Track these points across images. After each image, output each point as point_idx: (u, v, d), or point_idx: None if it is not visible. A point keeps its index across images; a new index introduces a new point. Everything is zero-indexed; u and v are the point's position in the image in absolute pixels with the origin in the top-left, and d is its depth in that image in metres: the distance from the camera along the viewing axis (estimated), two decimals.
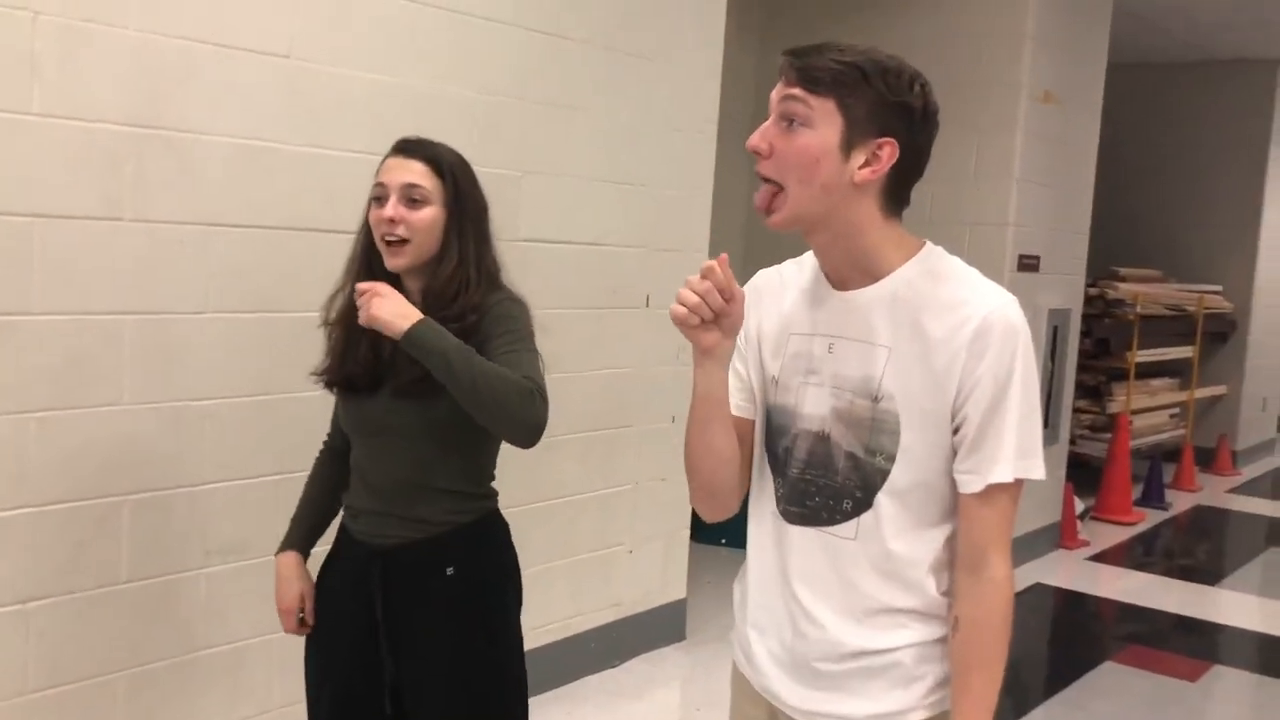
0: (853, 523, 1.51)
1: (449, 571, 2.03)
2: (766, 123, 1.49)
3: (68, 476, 2.53)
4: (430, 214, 2.00)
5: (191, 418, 2.74)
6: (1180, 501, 7.80)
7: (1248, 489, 8.48)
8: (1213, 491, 8.26)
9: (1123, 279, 7.80)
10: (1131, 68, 8.21)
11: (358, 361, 2.05)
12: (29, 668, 2.51)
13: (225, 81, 2.72)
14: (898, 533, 1.50)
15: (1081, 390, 7.23)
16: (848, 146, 1.44)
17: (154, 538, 2.70)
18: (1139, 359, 7.67)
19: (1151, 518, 7.26)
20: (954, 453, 1.48)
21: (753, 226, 6.17)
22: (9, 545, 2.46)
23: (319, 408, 2.96)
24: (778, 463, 1.59)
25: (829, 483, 1.53)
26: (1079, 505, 6.55)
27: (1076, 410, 7.06)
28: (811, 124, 1.44)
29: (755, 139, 1.49)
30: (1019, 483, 1.48)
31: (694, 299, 1.45)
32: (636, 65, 3.87)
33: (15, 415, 2.44)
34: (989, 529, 1.47)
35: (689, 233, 4.18)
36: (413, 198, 1.99)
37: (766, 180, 1.49)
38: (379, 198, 2.02)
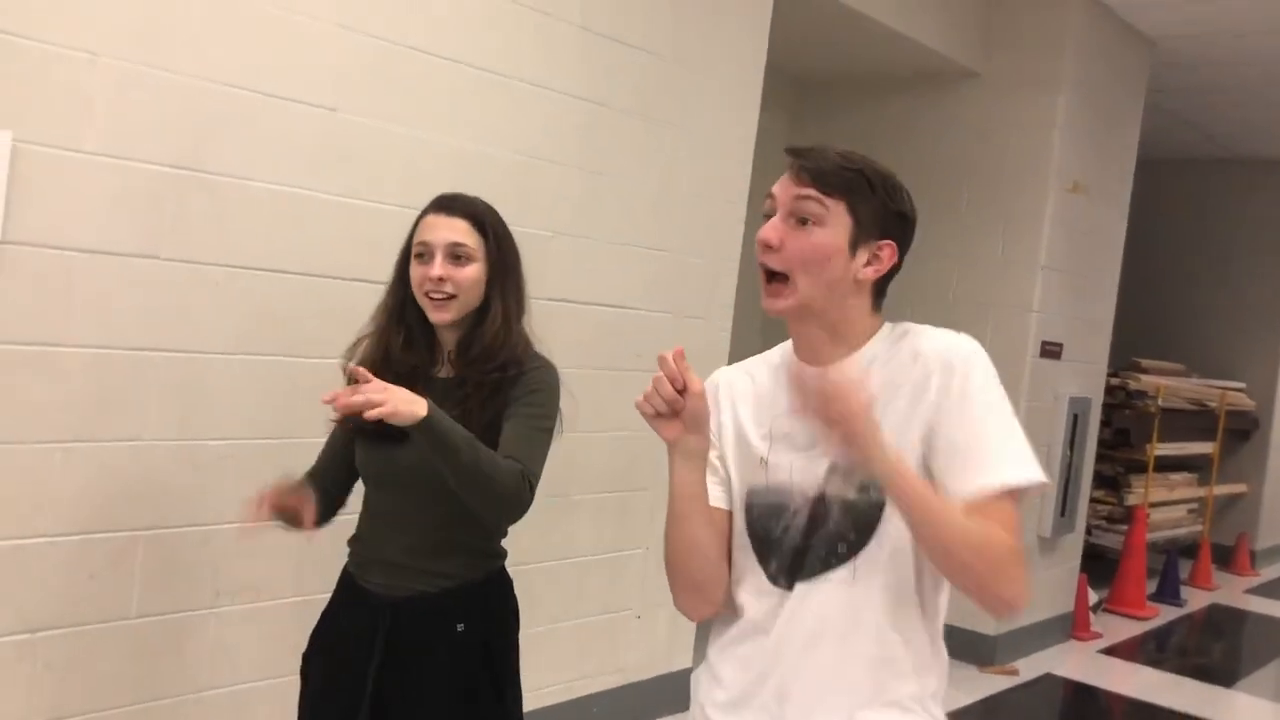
0: (848, 565, 1.54)
1: (459, 628, 2.03)
2: (775, 218, 1.56)
3: (85, 508, 2.56)
4: (475, 271, 2.04)
5: (211, 457, 2.77)
6: (1195, 599, 7.70)
7: (1266, 590, 8.35)
8: (1230, 591, 8.14)
9: (1145, 370, 7.78)
10: (1161, 163, 8.26)
11: None
12: (32, 698, 2.51)
13: (269, 129, 2.79)
14: (894, 569, 1.53)
15: (1099, 480, 7.18)
16: (854, 246, 1.55)
17: (166, 574, 2.71)
18: (1159, 452, 7.62)
19: (1166, 613, 7.16)
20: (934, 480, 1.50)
21: None
22: (22, 573, 2.48)
23: None
24: (771, 543, 1.60)
25: (825, 533, 1.56)
26: (1093, 596, 6.48)
27: (1094, 500, 7.01)
28: (824, 223, 1.54)
29: (769, 233, 1.56)
30: (1017, 490, 1.48)
31: (649, 389, 1.54)
32: (671, 134, 3.93)
33: (41, 445, 2.47)
34: (993, 514, 1.46)
35: (714, 301, 4.22)
36: (457, 255, 2.03)
37: (772, 272, 1.56)
38: (422, 255, 2.05)
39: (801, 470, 1.59)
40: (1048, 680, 5.53)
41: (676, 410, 1.55)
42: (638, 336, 3.91)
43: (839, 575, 1.54)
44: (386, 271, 3.13)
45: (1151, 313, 8.66)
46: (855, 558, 1.54)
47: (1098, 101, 5.70)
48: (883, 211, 1.56)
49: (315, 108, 2.88)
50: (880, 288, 1.61)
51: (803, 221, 1.54)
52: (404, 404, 1.82)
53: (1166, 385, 7.71)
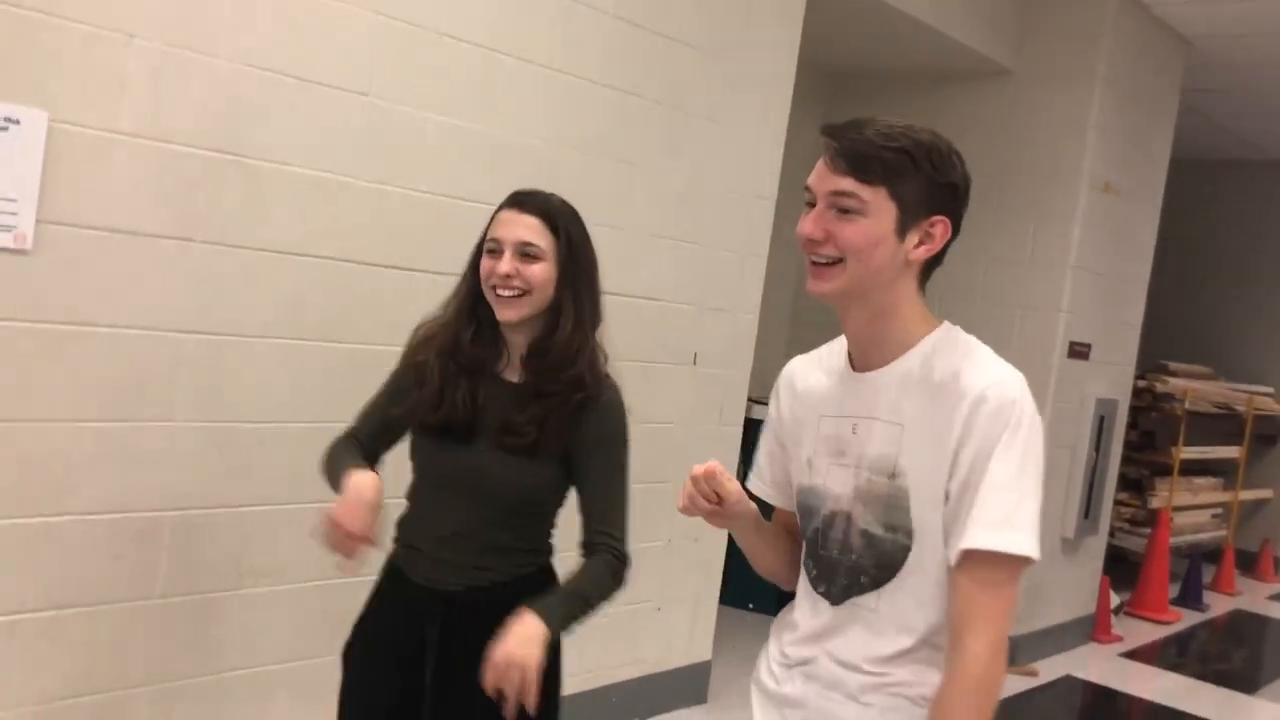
0: (872, 595, 1.54)
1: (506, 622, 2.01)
2: (816, 209, 1.51)
3: (114, 488, 2.57)
4: (543, 270, 1.98)
5: (241, 440, 2.78)
6: (1218, 604, 7.63)
7: None
8: (1252, 597, 8.07)
9: (1172, 373, 7.71)
10: (1194, 164, 8.18)
11: (456, 407, 2.00)
12: (57, 675, 2.53)
13: (304, 114, 2.79)
14: (917, 612, 1.51)
15: (1124, 483, 7.13)
16: (902, 230, 1.49)
17: (192, 556, 2.73)
18: (1184, 455, 7.55)
19: (1188, 618, 7.10)
20: None
21: (803, 293, 6.18)
22: (50, 552, 2.49)
23: None
24: (810, 543, 1.63)
25: (850, 562, 1.56)
26: (1114, 599, 6.44)
27: (1117, 503, 6.96)
28: (866, 213, 1.47)
29: (810, 228, 1.50)
30: (1011, 560, 1.44)
31: (683, 501, 1.62)
32: (704, 127, 3.92)
33: (71, 424, 2.49)
34: (968, 602, 1.45)
35: (741, 294, 4.20)
36: (526, 253, 1.98)
37: (821, 263, 1.52)
38: (493, 250, 2.00)
39: (835, 479, 1.58)
40: (1067, 682, 5.50)
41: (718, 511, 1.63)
42: (664, 328, 3.90)
43: (867, 601, 1.55)
44: (417, 258, 3.15)
45: (1180, 315, 8.58)
46: (876, 593, 1.54)
47: (1131, 101, 5.65)
48: (930, 188, 1.48)
49: (348, 93, 2.88)
50: (930, 266, 1.54)
51: (844, 211, 1.48)
52: (536, 647, 1.84)
53: (1194, 388, 7.65)
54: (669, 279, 3.90)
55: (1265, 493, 8.94)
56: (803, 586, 1.66)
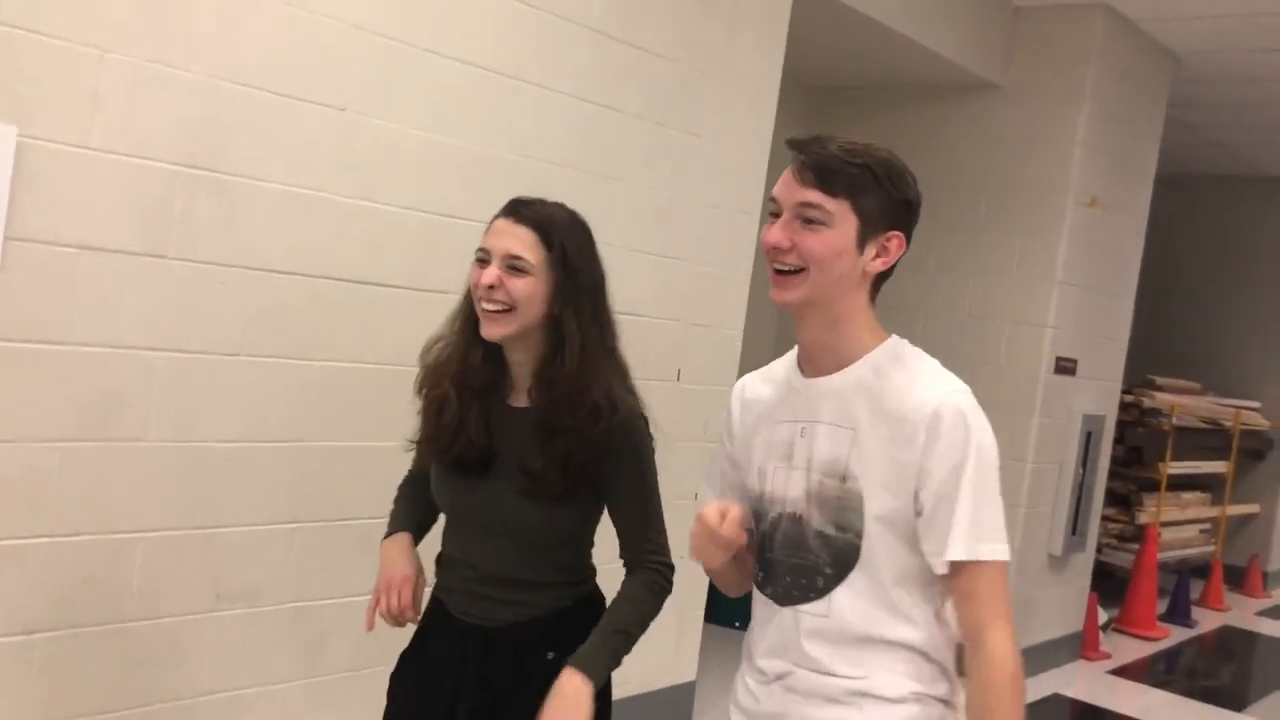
0: (824, 600, 1.60)
1: (549, 656, 1.94)
2: (783, 219, 1.58)
3: (85, 509, 2.53)
4: (530, 285, 1.86)
5: (215, 459, 2.73)
6: (1206, 620, 7.62)
7: (1278, 613, 8.27)
8: (1241, 613, 8.06)
9: (1159, 388, 7.71)
10: (1181, 179, 8.20)
11: (470, 440, 1.93)
12: (28, 700, 2.48)
13: (279, 129, 2.76)
14: (871, 609, 1.58)
15: (1111, 498, 7.11)
16: (862, 242, 1.57)
17: (165, 577, 2.68)
18: (1171, 470, 7.55)
19: (1176, 634, 7.09)
20: (917, 535, 1.56)
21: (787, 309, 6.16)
22: (20, 574, 2.44)
23: (343, 459, 2.98)
24: (759, 547, 1.70)
25: (802, 562, 1.62)
26: (1102, 616, 6.42)
27: (1105, 519, 6.95)
28: (830, 224, 1.55)
29: (777, 237, 1.58)
30: (997, 564, 1.55)
31: (695, 546, 1.68)
32: (686, 142, 3.90)
33: (41, 444, 2.44)
34: (977, 606, 1.55)
35: (724, 310, 4.18)
36: (514, 267, 1.86)
37: (785, 271, 1.59)
38: (481, 261, 1.90)
39: (784, 483, 1.65)
40: (1055, 701, 5.47)
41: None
42: (647, 344, 3.87)
43: (816, 608, 1.61)
44: (393, 274, 3.12)
45: (1167, 330, 8.59)
46: (832, 592, 1.60)
47: (1119, 116, 5.65)
48: (888, 203, 1.57)
49: (325, 107, 2.85)
50: (881, 279, 1.63)
51: (809, 221, 1.56)
52: (585, 707, 1.83)
53: (1181, 403, 7.65)
54: (652, 294, 3.87)
55: (1253, 508, 8.94)
56: (756, 597, 1.73)
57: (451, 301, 2.06)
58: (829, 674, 1.59)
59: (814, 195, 1.55)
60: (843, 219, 1.55)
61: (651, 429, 2.01)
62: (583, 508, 1.96)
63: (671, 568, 1.99)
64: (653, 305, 3.87)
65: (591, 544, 2.08)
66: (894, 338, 1.64)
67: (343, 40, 2.86)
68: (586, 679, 1.84)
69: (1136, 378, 7.42)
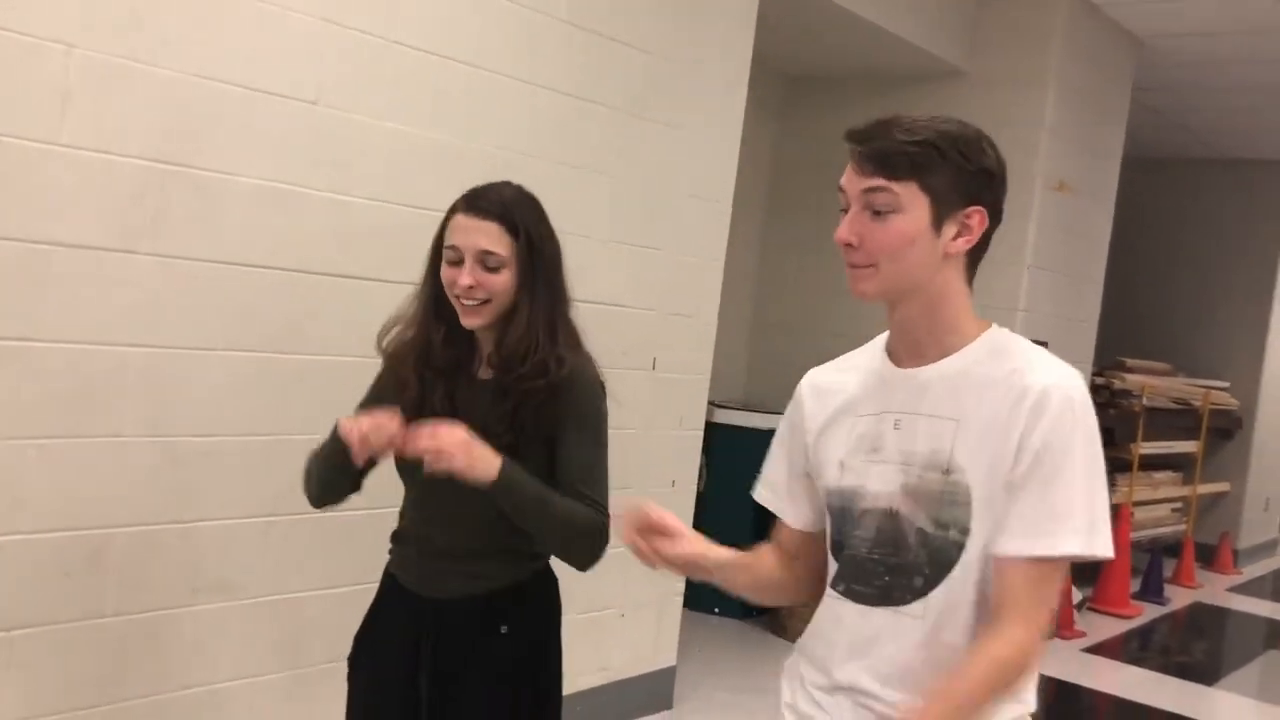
0: (921, 601, 1.49)
1: (503, 630, 2.00)
2: (851, 212, 1.48)
3: (61, 505, 2.52)
4: (506, 277, 1.95)
5: (190, 454, 2.73)
6: (1179, 597, 7.72)
7: (1248, 589, 8.39)
8: (1212, 589, 8.17)
9: (1130, 370, 7.79)
10: (1147, 162, 8.28)
11: (435, 411, 1.95)
12: (5, 696, 2.48)
13: (251, 124, 2.76)
14: (970, 611, 1.47)
15: None
16: (938, 222, 1.46)
17: (142, 572, 2.68)
18: (1143, 451, 7.63)
19: (1149, 612, 7.18)
20: None
21: (762, 296, 6.19)
22: None
23: None
24: (838, 545, 1.59)
25: (899, 561, 1.51)
26: (1076, 595, 6.49)
27: None
28: (900, 209, 1.45)
29: (845, 233, 1.48)
30: (1055, 559, 1.44)
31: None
32: (659, 133, 3.91)
33: (15, 441, 2.44)
34: (1012, 594, 1.43)
35: (700, 299, 4.20)
36: (489, 265, 1.93)
37: (858, 266, 1.49)
38: (454, 260, 1.95)
39: (874, 477, 1.54)
40: None
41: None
42: (623, 333, 3.89)
43: (913, 609, 1.49)
44: (368, 267, 3.12)
45: (1137, 311, 8.68)
46: (930, 593, 1.48)
47: (1084, 100, 5.71)
48: (961, 177, 1.46)
49: (297, 101, 2.84)
50: (976, 255, 1.52)
51: (877, 212, 1.46)
52: (480, 462, 1.80)
53: (1151, 384, 7.73)
54: (627, 284, 3.89)
55: (1223, 486, 9.06)
56: (830, 597, 1.60)
57: None
58: (902, 688, 1.48)
59: (878, 181, 1.44)
60: (912, 201, 1.44)
61: (608, 399, 2.04)
62: (534, 463, 1.93)
63: (608, 522, 1.95)
64: (629, 295, 3.89)
65: None
66: (996, 326, 1.54)
67: (314, 34, 2.86)
68: (500, 463, 1.82)
69: (1107, 360, 7.49)
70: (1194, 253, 9.03)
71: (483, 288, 1.93)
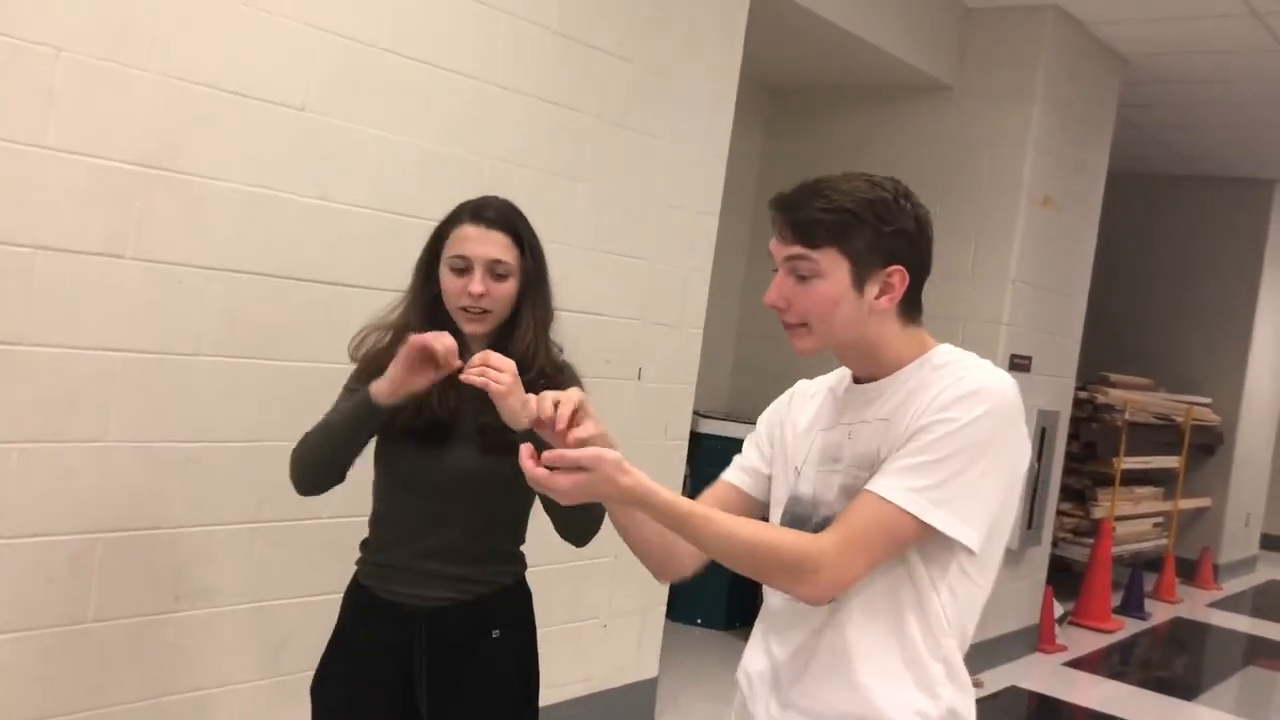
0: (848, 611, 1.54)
1: (495, 634, 2.02)
2: (777, 276, 1.57)
3: (44, 510, 2.51)
4: (512, 286, 2.02)
5: (174, 459, 2.73)
6: (1160, 612, 7.76)
7: (1228, 604, 8.43)
8: (1193, 604, 8.21)
9: (1113, 384, 7.84)
10: (1131, 178, 8.34)
11: (436, 409, 1.97)
12: None
13: (238, 129, 2.76)
14: (868, 607, 1.53)
15: (1066, 493, 7.22)
16: (859, 283, 1.54)
17: (125, 578, 2.67)
18: (1125, 465, 7.68)
19: (1130, 626, 7.21)
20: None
21: (747, 305, 6.20)
22: None
23: None
24: None
25: None
26: (1058, 609, 6.51)
27: (1060, 513, 7.05)
28: (821, 274, 1.53)
29: (773, 297, 1.57)
30: (903, 513, 1.45)
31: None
32: (645, 143, 3.92)
33: None
34: (851, 517, 1.47)
35: (685, 308, 4.21)
36: (498, 273, 1.99)
37: (790, 326, 1.57)
38: (461, 270, 1.99)
39: (821, 485, 1.60)
40: (1012, 693, 5.55)
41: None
42: (608, 343, 3.90)
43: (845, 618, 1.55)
44: (353, 273, 3.12)
45: (1120, 327, 8.73)
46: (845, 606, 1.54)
47: (1070, 116, 5.74)
48: (879, 239, 1.52)
49: (283, 107, 2.85)
50: (908, 303, 1.58)
51: (802, 277, 1.54)
52: (519, 400, 1.74)
53: (1134, 399, 7.77)
54: (612, 294, 3.89)
55: (1204, 501, 9.11)
56: (770, 609, 1.68)
57: None
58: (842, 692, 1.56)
59: (797, 250, 1.53)
60: (833, 267, 1.52)
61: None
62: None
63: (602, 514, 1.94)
64: (614, 304, 3.90)
65: (527, 519, 2.10)
66: (943, 345, 1.61)
67: (302, 40, 2.86)
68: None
69: (1090, 374, 7.54)
70: (1177, 269, 9.09)
71: (490, 296, 1.99)
